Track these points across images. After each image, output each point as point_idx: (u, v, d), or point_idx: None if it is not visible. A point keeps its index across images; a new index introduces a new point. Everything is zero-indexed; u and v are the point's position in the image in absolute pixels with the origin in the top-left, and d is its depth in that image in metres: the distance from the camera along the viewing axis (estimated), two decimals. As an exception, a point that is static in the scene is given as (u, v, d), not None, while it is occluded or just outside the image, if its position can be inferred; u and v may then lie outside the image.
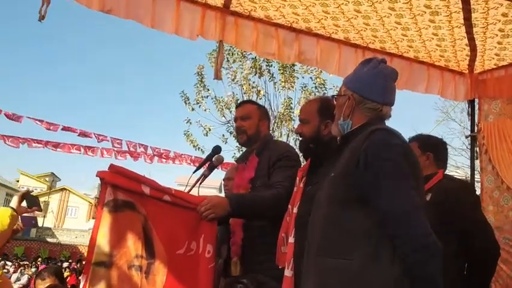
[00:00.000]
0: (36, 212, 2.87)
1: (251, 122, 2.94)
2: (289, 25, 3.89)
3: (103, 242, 2.34)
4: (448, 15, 3.46)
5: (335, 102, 2.12)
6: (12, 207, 2.46)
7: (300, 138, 2.63)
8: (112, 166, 2.46)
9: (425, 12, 3.46)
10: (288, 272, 2.30)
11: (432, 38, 3.86)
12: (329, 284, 1.72)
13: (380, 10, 3.50)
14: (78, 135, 8.16)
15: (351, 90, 1.98)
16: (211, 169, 3.08)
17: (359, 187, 1.74)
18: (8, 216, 2.39)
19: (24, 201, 2.54)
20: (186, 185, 2.98)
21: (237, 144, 11.31)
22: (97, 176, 2.40)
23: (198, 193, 2.90)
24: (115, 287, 2.31)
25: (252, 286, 1.63)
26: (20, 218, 2.61)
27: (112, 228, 2.36)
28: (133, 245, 2.39)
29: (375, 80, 1.94)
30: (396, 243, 1.66)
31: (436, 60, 4.25)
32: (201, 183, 3.03)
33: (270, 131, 3.07)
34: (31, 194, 2.61)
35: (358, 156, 1.76)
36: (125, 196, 2.43)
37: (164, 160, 8.83)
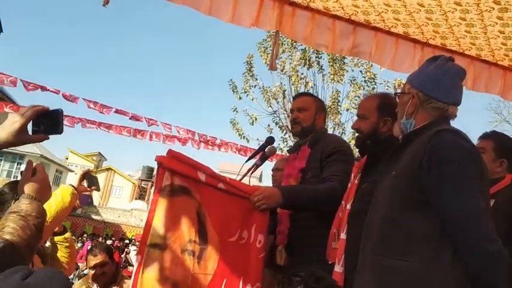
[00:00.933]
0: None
1: (307, 114, 2.94)
2: (348, 17, 3.81)
3: (159, 225, 2.40)
4: (517, 13, 3.29)
5: (397, 100, 2.07)
6: (73, 186, 2.53)
7: (357, 134, 2.60)
8: (170, 151, 2.51)
9: (494, 9, 3.30)
10: (338, 268, 2.30)
11: (498, 36, 3.68)
12: (387, 284, 1.70)
13: (444, 5, 3.37)
14: (129, 119, 8.37)
15: (415, 88, 1.92)
16: (263, 159, 3.09)
17: (421, 188, 1.71)
18: (70, 194, 2.46)
19: (85, 180, 2.61)
20: (237, 174, 3.02)
21: (282, 135, 11.37)
22: (155, 160, 2.47)
23: (249, 182, 2.94)
24: (168, 269, 2.38)
25: (310, 280, 1.63)
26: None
27: (168, 212, 2.42)
28: (187, 230, 2.45)
29: (442, 79, 1.88)
30: (458, 247, 1.62)
31: (500, 59, 4.07)
32: (252, 173, 3.06)
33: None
34: (91, 173, 2.69)
35: (422, 156, 1.72)
36: (181, 181, 2.48)
37: (210, 147, 8.95)
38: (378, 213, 1.86)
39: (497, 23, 3.48)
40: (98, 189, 2.73)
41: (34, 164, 1.66)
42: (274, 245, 2.84)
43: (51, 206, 2.36)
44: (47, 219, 2.29)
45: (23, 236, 1.40)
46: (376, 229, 1.83)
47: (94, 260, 3.73)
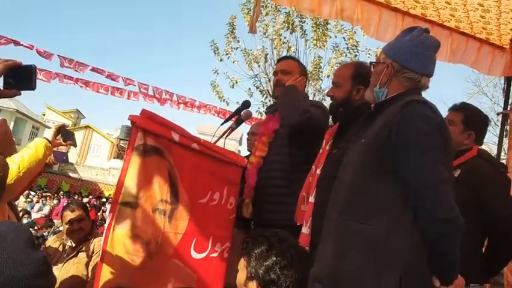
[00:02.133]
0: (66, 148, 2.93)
1: (290, 77, 2.94)
2: (332, -18, 3.78)
3: (130, 184, 2.41)
4: (497, -14, 3.31)
5: (372, 69, 2.09)
6: (47, 139, 2.47)
7: (330, 101, 2.62)
8: (143, 111, 2.49)
9: (474, -19, 3.31)
10: (305, 230, 2.37)
11: (477, 9, 3.71)
12: (348, 247, 1.77)
13: (426, -26, 3.36)
14: (106, 77, 8.21)
15: (391, 58, 1.94)
16: (238, 123, 3.11)
17: (388, 156, 1.75)
18: (43, 146, 2.40)
19: (60, 135, 2.57)
20: (212, 136, 3.03)
21: (262, 99, 11.34)
22: (128, 119, 2.45)
23: (224, 145, 2.96)
24: (139, 227, 2.41)
25: (274, 239, 1.68)
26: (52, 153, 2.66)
27: (140, 171, 2.43)
28: (158, 190, 2.47)
29: (417, 50, 1.90)
30: (418, 214, 1.68)
31: (477, 32, 4.10)
32: (227, 136, 3.07)
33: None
34: (66, 128, 2.64)
35: (391, 125, 1.76)
36: (154, 142, 2.48)
37: (189, 108, 8.90)
38: (345, 178, 1.91)
39: (477, -5, 3.49)
40: (74, 145, 2.68)
41: None
42: (241, 198, 2.90)
43: (24, 158, 2.32)
44: (20, 170, 2.27)
45: None
46: (343, 194, 1.88)
47: (70, 215, 3.74)
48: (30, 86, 1.61)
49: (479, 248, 2.62)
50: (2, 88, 1.56)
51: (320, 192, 2.35)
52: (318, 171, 2.44)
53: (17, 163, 2.25)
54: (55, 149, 2.62)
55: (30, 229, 10.17)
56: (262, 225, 2.69)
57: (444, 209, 1.65)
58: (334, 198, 1.94)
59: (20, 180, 2.25)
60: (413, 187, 1.70)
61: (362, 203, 1.78)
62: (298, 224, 2.50)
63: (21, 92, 1.62)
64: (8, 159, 2.28)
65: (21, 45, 7.33)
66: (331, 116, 2.74)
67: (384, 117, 1.83)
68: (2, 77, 1.54)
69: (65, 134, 2.56)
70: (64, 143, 2.54)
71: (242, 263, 1.70)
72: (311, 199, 2.41)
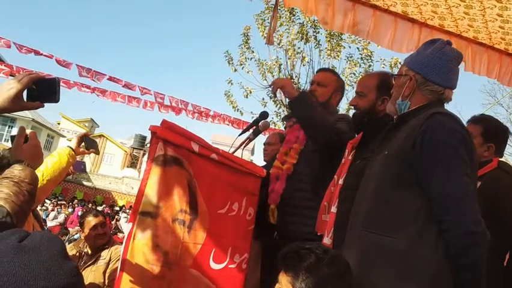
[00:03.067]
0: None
1: (325, 90, 2.95)
2: (348, -7, 3.79)
3: (151, 193, 2.43)
4: (516, -4, 3.28)
5: (393, 82, 2.09)
6: (71, 147, 2.51)
7: (354, 111, 2.62)
8: (164, 121, 2.52)
9: (493, -9, 3.29)
10: (327, 240, 2.35)
11: (496, 19, 3.68)
12: (371, 259, 1.75)
13: (445, -15, 3.36)
14: (122, 87, 8.31)
15: (413, 70, 1.93)
16: (256, 133, 3.11)
17: (412, 168, 1.74)
18: (67, 155, 2.44)
19: (83, 142, 2.60)
20: (230, 146, 3.04)
21: (276, 109, 11.35)
22: (149, 129, 2.48)
23: (242, 155, 2.97)
24: (159, 237, 2.42)
25: (318, 251, 1.63)
26: None
27: (160, 181, 2.45)
28: (178, 200, 2.48)
29: (440, 63, 1.89)
30: (443, 227, 1.66)
31: (496, 42, 4.07)
32: (245, 147, 3.08)
33: None
34: (90, 136, 2.67)
35: (415, 137, 1.75)
36: (174, 152, 2.50)
37: (204, 118, 8.94)
38: (368, 190, 1.90)
39: (495, 6, 3.47)
40: (97, 153, 2.71)
41: (27, 131, 1.66)
42: (266, 204, 2.88)
43: (48, 166, 2.36)
44: (44, 178, 2.31)
45: (17, 201, 1.42)
46: (366, 206, 1.87)
47: (95, 220, 3.78)
48: (54, 98, 1.63)
49: (501, 262, 2.58)
50: (25, 100, 1.58)
51: (343, 203, 2.34)
52: (341, 181, 2.43)
53: (41, 171, 2.29)
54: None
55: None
56: (287, 236, 2.68)
57: (470, 222, 1.63)
58: (357, 210, 1.93)
59: (44, 188, 2.30)
60: (437, 199, 1.69)
61: (385, 215, 1.77)
62: (318, 233, 2.49)
63: (45, 104, 1.64)
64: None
65: (42, 54, 7.46)
66: (354, 126, 2.73)
67: (408, 129, 1.83)
68: (27, 89, 1.56)
69: (88, 142, 2.59)
70: (87, 151, 2.58)
71: (285, 279, 1.63)
72: (333, 209, 2.39)
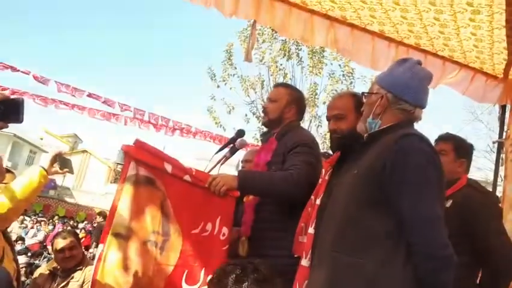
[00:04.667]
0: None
1: (276, 105, 2.90)
2: (325, 12, 3.82)
3: (122, 214, 2.39)
4: (489, 15, 3.34)
5: (364, 99, 2.08)
6: (43, 167, 2.44)
7: (334, 135, 2.51)
8: (137, 141, 2.48)
9: (466, 10, 3.34)
10: (305, 262, 2.31)
11: (470, 38, 3.74)
12: (340, 281, 1.74)
13: (419, 4, 3.40)
14: (102, 103, 8.23)
15: (385, 89, 1.94)
16: (233, 152, 3.08)
17: (381, 189, 1.74)
18: (38, 175, 2.37)
19: (56, 162, 2.53)
20: (208, 162, 3.01)
21: (259, 125, 11.38)
22: (121, 149, 2.44)
23: (218, 172, 2.93)
24: (130, 259, 2.37)
25: (244, 262, 1.65)
26: None
27: (132, 202, 2.41)
28: (150, 221, 2.44)
29: (411, 82, 1.90)
30: (412, 250, 1.66)
31: (471, 61, 4.14)
32: (222, 164, 3.05)
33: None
34: (64, 155, 2.60)
35: (385, 158, 1.75)
36: (147, 172, 2.46)
37: (185, 134, 8.90)
38: (337, 209, 1.89)
39: (469, 25, 3.53)
40: (71, 172, 2.63)
41: None
42: (237, 236, 2.82)
43: (18, 187, 2.30)
44: (14, 200, 2.24)
45: None
46: (334, 226, 1.86)
47: (62, 243, 3.69)
48: (18, 119, 1.63)
49: (474, 279, 2.58)
50: None
51: (320, 223, 2.31)
52: (318, 202, 2.40)
53: (12, 192, 2.23)
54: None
55: (24, 256, 10.03)
56: None
57: (439, 246, 1.64)
58: (325, 229, 1.91)
59: (14, 209, 2.25)
60: (408, 222, 1.68)
61: (354, 236, 1.76)
62: (295, 255, 2.45)
63: (8, 124, 1.62)
64: (3, 188, 2.26)
65: (18, 71, 7.38)
66: (333, 148, 2.66)
67: (378, 149, 1.83)
68: None
69: (62, 161, 2.52)
70: (60, 171, 2.51)
71: None
72: (310, 230, 2.36)
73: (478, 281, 2.61)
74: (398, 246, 1.69)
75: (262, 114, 3.15)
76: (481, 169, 15.25)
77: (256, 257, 2.66)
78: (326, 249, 1.84)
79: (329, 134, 2.87)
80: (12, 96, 1.64)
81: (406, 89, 1.91)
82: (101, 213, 13.63)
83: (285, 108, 2.91)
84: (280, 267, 2.51)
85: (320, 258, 1.90)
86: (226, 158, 3.05)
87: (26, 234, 15.82)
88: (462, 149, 2.79)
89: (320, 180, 2.50)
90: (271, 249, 2.61)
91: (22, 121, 1.63)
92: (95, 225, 16.58)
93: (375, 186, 1.75)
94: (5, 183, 2.51)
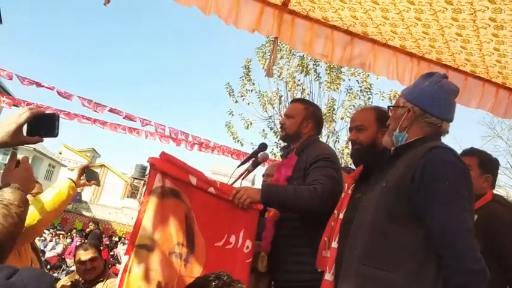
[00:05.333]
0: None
1: (293, 121, 2.93)
2: (346, 28, 3.85)
3: (148, 226, 2.41)
4: (513, 31, 3.33)
5: (389, 114, 2.09)
6: (72, 179, 2.50)
7: (355, 146, 2.55)
8: (163, 154, 2.52)
9: (489, 26, 3.34)
10: (328, 277, 2.30)
11: (493, 53, 3.73)
12: None
13: (441, 20, 3.41)
14: (123, 118, 8.38)
15: (411, 103, 1.95)
16: (255, 165, 3.10)
17: (410, 201, 1.73)
18: (67, 187, 2.43)
19: (84, 174, 2.59)
20: (229, 177, 3.03)
21: (276, 140, 11.39)
22: (148, 161, 2.47)
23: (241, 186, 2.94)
24: (155, 270, 2.38)
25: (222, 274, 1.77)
26: None
27: (157, 214, 2.43)
28: (175, 233, 2.46)
29: (438, 95, 1.91)
30: (443, 263, 1.64)
31: (493, 76, 4.11)
32: (243, 178, 3.07)
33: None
34: (91, 168, 2.66)
35: (414, 171, 1.74)
36: (172, 184, 2.49)
37: (203, 149, 8.96)
38: (365, 222, 1.88)
39: (492, 40, 3.52)
40: (98, 184, 2.69)
41: (19, 156, 1.67)
42: (257, 251, 2.83)
43: (48, 198, 2.35)
44: (44, 210, 2.29)
45: (5, 223, 1.41)
46: (362, 239, 1.85)
47: (84, 255, 3.73)
48: (53, 133, 1.66)
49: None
50: (25, 135, 1.60)
51: (344, 237, 2.30)
52: (341, 216, 2.40)
53: (41, 203, 2.28)
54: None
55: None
56: (281, 286, 2.68)
57: (471, 260, 1.61)
58: (353, 243, 1.91)
59: (43, 220, 2.29)
60: (437, 235, 1.67)
61: (383, 249, 1.75)
62: (319, 270, 2.44)
63: (44, 139, 1.66)
64: (33, 199, 2.31)
65: (43, 86, 7.56)
66: (354, 161, 2.68)
67: (406, 162, 1.82)
68: (27, 124, 1.58)
69: (89, 173, 2.58)
70: (88, 183, 2.57)
71: None
72: (334, 244, 2.35)
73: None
74: (427, 259, 1.67)
75: (280, 130, 3.16)
76: (501, 186, 15.00)
77: (277, 272, 2.69)
78: (354, 262, 1.83)
79: (346, 149, 2.89)
80: (47, 112, 1.69)
81: (433, 103, 1.91)
82: (94, 220, 13.86)
83: (302, 124, 2.93)
84: (304, 284, 2.53)
85: (347, 271, 1.89)
86: (248, 171, 3.07)
87: (45, 247, 15.97)
88: (487, 164, 2.75)
89: (343, 194, 2.51)
90: (293, 264, 2.61)
91: (57, 135, 1.67)
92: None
93: (404, 199, 1.74)
94: (32, 194, 2.56)
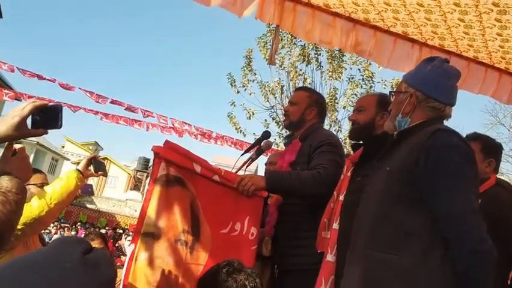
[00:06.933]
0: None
1: (296, 108, 2.95)
2: (348, 15, 3.83)
3: (153, 214, 2.43)
4: (516, 15, 3.31)
5: (391, 99, 2.10)
6: (79, 170, 2.52)
7: (353, 126, 2.63)
8: (166, 142, 2.53)
9: (492, 11, 3.31)
10: (330, 257, 2.33)
11: (496, 39, 3.71)
12: (376, 277, 1.74)
13: (444, 5, 3.38)
14: (125, 109, 8.39)
15: (413, 87, 1.95)
16: (258, 153, 3.11)
17: (415, 185, 1.74)
18: (75, 178, 2.46)
19: (91, 165, 2.61)
20: (232, 167, 3.04)
21: (278, 130, 11.39)
22: (152, 150, 2.49)
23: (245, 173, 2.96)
24: (161, 257, 2.41)
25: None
26: None
27: (163, 202, 2.45)
28: (180, 220, 2.47)
29: (440, 80, 1.91)
30: (450, 244, 1.65)
31: (496, 62, 4.09)
32: (247, 166, 3.08)
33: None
34: (98, 158, 2.68)
35: (418, 154, 1.75)
36: (176, 172, 2.50)
37: (206, 140, 8.98)
38: (370, 207, 1.89)
39: (495, 25, 3.49)
40: (105, 175, 2.73)
41: (15, 146, 1.68)
42: (261, 236, 2.86)
43: (56, 189, 2.37)
44: (52, 201, 2.31)
45: (3, 210, 1.43)
46: (368, 223, 1.86)
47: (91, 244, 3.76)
48: (57, 125, 1.66)
49: (505, 279, 2.55)
50: (29, 127, 1.61)
51: (344, 220, 2.33)
52: (341, 198, 2.42)
53: (49, 194, 2.30)
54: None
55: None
56: (288, 270, 2.69)
57: (476, 240, 1.62)
58: (360, 227, 1.92)
59: (52, 211, 2.31)
60: (443, 217, 1.68)
61: (389, 232, 1.76)
62: (318, 251, 2.47)
63: (48, 131, 1.67)
64: (40, 191, 2.33)
65: (44, 78, 7.57)
66: (352, 142, 2.74)
67: (410, 146, 1.83)
68: (31, 116, 1.59)
69: (97, 164, 2.61)
70: (95, 174, 2.59)
71: None
72: (335, 226, 2.38)
73: (509, 282, 2.57)
74: (434, 241, 1.68)
75: (283, 118, 3.18)
76: (503, 173, 15.00)
77: (281, 257, 2.72)
78: (360, 247, 1.85)
79: (348, 139, 2.94)
80: (50, 104, 1.69)
81: (435, 87, 1.91)
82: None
83: (305, 111, 2.95)
84: (308, 266, 2.56)
85: (354, 255, 1.90)
86: (252, 159, 3.08)
87: (50, 239, 16.07)
88: (490, 149, 2.76)
89: (342, 176, 2.53)
90: (296, 248, 2.64)
91: (61, 127, 1.67)
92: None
93: (409, 182, 1.75)
94: (37, 184, 2.58)
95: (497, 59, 4.05)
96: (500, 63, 4.11)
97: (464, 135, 2.91)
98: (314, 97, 3.08)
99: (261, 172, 3.98)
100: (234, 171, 2.94)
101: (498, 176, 2.82)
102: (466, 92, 4.18)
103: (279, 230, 2.78)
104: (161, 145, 2.52)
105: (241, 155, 3.15)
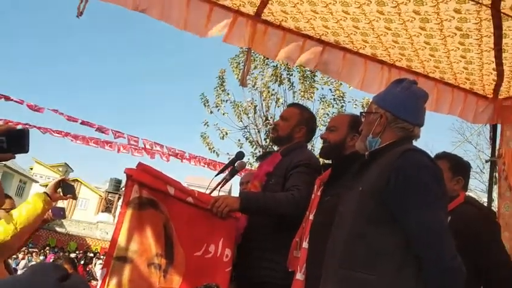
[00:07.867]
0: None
1: (286, 124, 2.98)
2: (318, 37, 3.92)
3: (126, 238, 2.39)
4: (478, 39, 3.45)
5: (362, 119, 2.14)
6: (46, 193, 2.45)
7: (324, 144, 2.69)
8: (140, 164, 2.51)
9: (456, 34, 3.46)
10: (300, 276, 2.35)
11: (460, 61, 3.85)
12: None
13: (410, 29, 3.51)
14: (95, 130, 8.29)
15: (383, 108, 2.00)
16: (232, 174, 3.11)
17: (387, 204, 1.77)
18: (42, 201, 2.38)
19: (60, 188, 2.54)
20: (206, 188, 3.03)
21: (252, 150, 11.42)
22: (125, 172, 2.46)
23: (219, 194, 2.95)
24: (134, 282, 2.36)
25: None
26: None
27: (135, 225, 2.42)
28: (153, 244, 2.44)
29: (409, 101, 1.97)
30: (423, 263, 1.68)
31: (461, 82, 4.24)
32: (221, 187, 3.07)
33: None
34: (67, 181, 2.62)
35: (389, 174, 1.79)
36: (149, 195, 2.48)
37: (179, 160, 8.93)
38: (344, 227, 1.91)
39: (459, 48, 3.64)
40: (74, 198, 2.66)
41: None
42: None
43: (22, 213, 2.30)
44: (18, 226, 2.25)
45: None
46: (342, 242, 1.88)
47: None
48: (24, 149, 1.63)
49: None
50: None
51: (314, 240, 2.35)
52: (311, 217, 2.45)
53: (15, 218, 2.23)
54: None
55: None
56: (246, 281, 2.68)
57: (447, 258, 1.66)
58: (333, 247, 1.93)
59: (18, 235, 2.24)
60: (416, 237, 1.72)
61: (363, 252, 1.78)
62: (290, 270, 2.47)
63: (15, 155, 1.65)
64: (6, 215, 2.26)
65: (12, 100, 7.42)
66: (322, 161, 2.78)
67: (380, 166, 1.87)
68: None
69: (65, 187, 2.54)
70: (64, 197, 2.53)
71: None
72: (305, 245, 2.40)
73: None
74: (407, 261, 1.71)
75: (271, 131, 3.20)
76: (472, 190, 15.39)
77: (249, 270, 2.69)
78: (334, 267, 1.86)
79: (319, 156, 2.99)
80: (18, 127, 1.66)
81: (404, 108, 1.97)
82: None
83: (295, 128, 2.98)
84: (276, 282, 2.55)
85: (328, 275, 1.91)
86: (226, 180, 3.08)
87: (17, 265, 15.52)
88: (458, 167, 2.83)
89: (313, 195, 2.56)
90: (255, 269, 2.63)
91: (28, 151, 1.65)
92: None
93: (380, 202, 1.79)
94: (5, 209, 2.51)
95: (461, 80, 4.20)
96: (465, 84, 4.26)
97: (433, 155, 2.99)
98: (305, 116, 3.09)
99: (235, 192, 3.97)
100: (207, 192, 2.94)
101: (467, 192, 2.89)
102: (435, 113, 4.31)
103: (250, 248, 2.74)
104: (134, 167, 2.49)
105: (215, 175, 3.14)
